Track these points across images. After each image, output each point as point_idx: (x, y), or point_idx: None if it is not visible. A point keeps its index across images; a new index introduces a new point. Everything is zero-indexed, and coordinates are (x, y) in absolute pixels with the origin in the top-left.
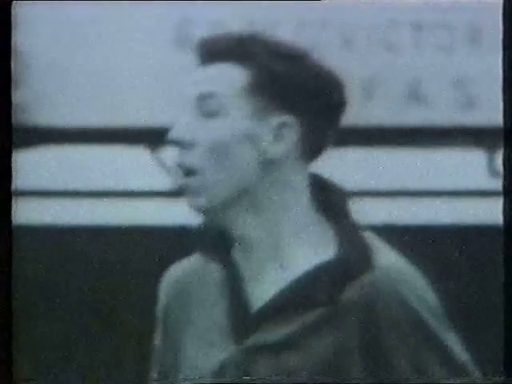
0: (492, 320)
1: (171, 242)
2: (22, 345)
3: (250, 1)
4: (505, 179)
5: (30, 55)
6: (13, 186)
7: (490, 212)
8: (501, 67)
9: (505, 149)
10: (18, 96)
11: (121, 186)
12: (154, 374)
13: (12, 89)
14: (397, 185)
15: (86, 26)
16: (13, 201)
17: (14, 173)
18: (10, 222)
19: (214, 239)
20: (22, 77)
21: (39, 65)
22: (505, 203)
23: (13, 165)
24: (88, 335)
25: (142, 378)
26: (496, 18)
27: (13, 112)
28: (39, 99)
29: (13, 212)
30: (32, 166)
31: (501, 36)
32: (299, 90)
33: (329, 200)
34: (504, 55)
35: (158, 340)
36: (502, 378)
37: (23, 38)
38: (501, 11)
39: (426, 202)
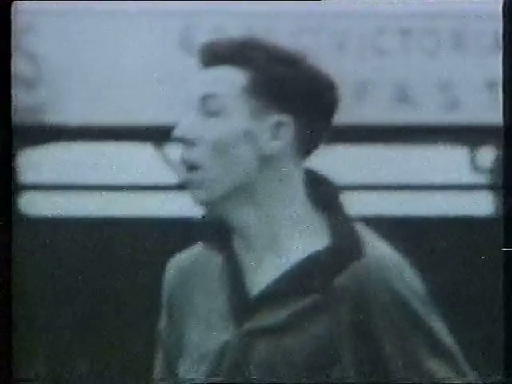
0: (476, 302)
1: (175, 233)
2: (24, 333)
3: (250, 7)
4: (505, 174)
5: (40, 57)
6: (21, 181)
7: (474, 205)
8: (487, 69)
9: (505, 146)
10: (29, 96)
11: (128, 180)
12: (158, 357)
13: (22, 89)
14: (386, 179)
15: (93, 32)
16: (21, 194)
17: (22, 169)
18: (21, 214)
19: (215, 230)
20: (34, 77)
21: (49, 67)
22: (506, 196)
23: (23, 161)
24: (96, 321)
25: (148, 362)
26: (479, 24)
27: (13, 111)
28: (51, 99)
29: (21, 205)
30: (44, 162)
31: (486, 41)
32: (295, 92)
33: (323, 193)
34: (504, 55)
35: (162, 324)
36: (501, 377)
37: (32, 40)
38: (501, 11)
39: (413, 195)
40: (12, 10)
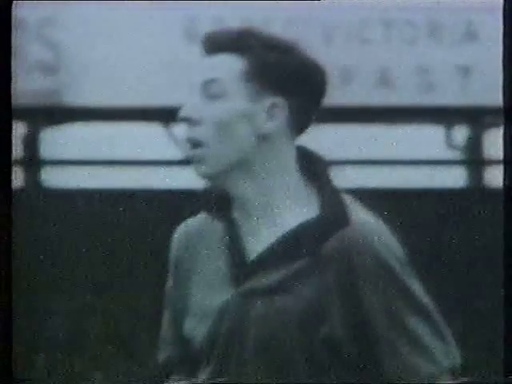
0: (453, 264)
1: (181, 203)
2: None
3: (247, 1)
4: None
5: (59, 45)
6: (45, 157)
7: (448, 178)
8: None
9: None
10: (49, 81)
11: (139, 156)
12: (165, 315)
13: (43, 75)
14: (370, 155)
15: (107, 24)
16: (43, 169)
17: (41, 146)
18: (42, 187)
19: (217, 201)
20: (55, 65)
21: (67, 54)
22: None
23: (48, 139)
24: (108, 283)
25: (156, 319)
26: (452, 16)
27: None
28: (69, 83)
29: (42, 179)
30: (65, 140)
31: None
32: (288, 76)
33: (313, 168)
34: (504, 49)
35: (169, 285)
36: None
37: (52, 30)
38: (501, 11)
39: (394, 169)
40: (12, 10)
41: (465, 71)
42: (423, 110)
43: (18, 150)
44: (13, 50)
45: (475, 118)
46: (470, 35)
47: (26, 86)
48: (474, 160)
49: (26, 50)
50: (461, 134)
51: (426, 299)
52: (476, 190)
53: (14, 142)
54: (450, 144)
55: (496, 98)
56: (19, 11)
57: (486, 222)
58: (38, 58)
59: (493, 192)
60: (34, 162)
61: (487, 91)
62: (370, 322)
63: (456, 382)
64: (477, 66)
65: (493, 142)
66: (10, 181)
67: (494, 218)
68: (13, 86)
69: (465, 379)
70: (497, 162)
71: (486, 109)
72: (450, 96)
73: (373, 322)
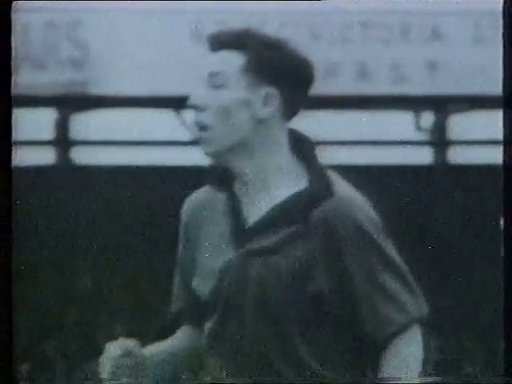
0: (423, 232)
1: (189, 178)
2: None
3: (246, 6)
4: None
5: (86, 44)
6: (72, 138)
7: (416, 157)
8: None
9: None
10: (77, 74)
11: (154, 137)
12: (177, 275)
13: (71, 69)
14: (351, 137)
15: (127, 26)
16: (74, 148)
17: (71, 130)
18: (74, 165)
19: (220, 176)
20: (83, 61)
21: (93, 52)
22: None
23: (77, 123)
24: (127, 247)
25: (169, 278)
26: (422, 19)
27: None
28: (94, 76)
29: (75, 157)
30: (91, 124)
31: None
32: (280, 70)
33: (302, 148)
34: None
35: (180, 248)
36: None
37: (80, 31)
38: (501, 10)
39: (371, 149)
40: (12, 10)
41: (431, 66)
42: (395, 98)
43: (50, 133)
44: (45, 48)
45: (440, 105)
46: (436, 35)
47: (57, 78)
48: (439, 141)
49: (58, 47)
50: (427, 119)
51: (398, 260)
52: (440, 167)
53: (47, 126)
54: (418, 127)
55: (458, 89)
56: (49, 14)
57: (449, 195)
58: (67, 55)
59: (456, 169)
60: (65, 142)
61: (451, 83)
62: (350, 280)
63: (456, 381)
64: (442, 62)
65: (456, 126)
66: (39, 160)
67: (456, 191)
68: (47, 78)
69: (465, 379)
70: (460, 143)
71: (450, 98)
72: (418, 87)
73: (353, 280)
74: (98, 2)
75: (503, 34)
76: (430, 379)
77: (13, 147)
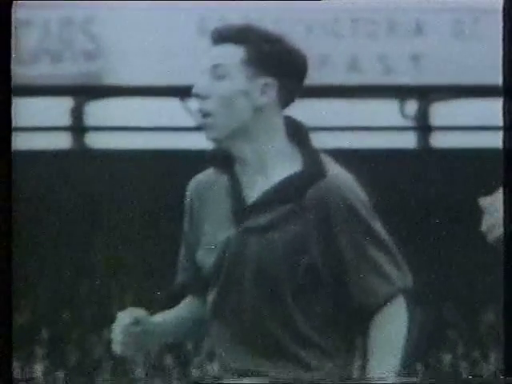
0: (408, 210)
1: (194, 161)
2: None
3: (245, 4)
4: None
5: (100, 37)
6: (86, 124)
7: (401, 141)
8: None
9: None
10: (91, 65)
11: (162, 123)
12: (182, 249)
13: (85, 61)
14: (342, 123)
15: (137, 23)
16: (89, 134)
17: (86, 118)
18: (91, 149)
19: (222, 159)
20: (96, 53)
21: (106, 44)
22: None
23: (91, 110)
24: (139, 223)
25: (175, 251)
26: (406, 15)
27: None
28: (109, 68)
29: (90, 142)
30: (104, 111)
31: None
32: (277, 62)
33: (297, 133)
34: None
35: (185, 225)
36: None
37: (94, 26)
38: (501, 10)
39: (360, 135)
40: (12, 9)
41: (415, 58)
42: (382, 88)
43: (65, 121)
44: (62, 42)
45: (423, 94)
46: (419, 30)
47: (73, 69)
48: (423, 126)
49: (73, 41)
50: (411, 106)
51: (385, 235)
52: (423, 151)
53: (63, 113)
54: (403, 114)
55: (440, 78)
56: (65, 10)
57: (431, 176)
58: (82, 48)
59: (437, 152)
60: (80, 128)
61: (433, 73)
62: (340, 253)
63: (457, 381)
64: (424, 54)
65: (438, 113)
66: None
67: (437, 173)
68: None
69: (466, 379)
70: (444, 129)
71: (432, 87)
72: (403, 77)
73: (343, 253)
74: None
75: (503, 28)
76: (426, 381)
77: (12, 133)
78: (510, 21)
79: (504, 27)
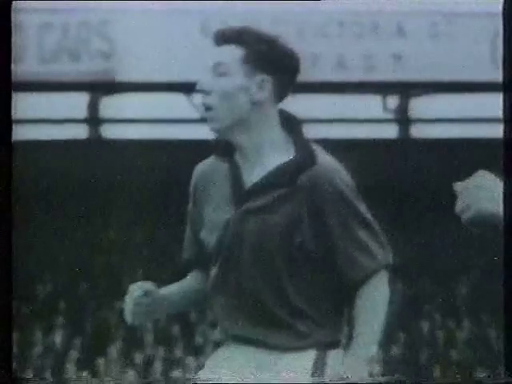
0: (392, 196)
1: (198, 150)
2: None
3: (244, 8)
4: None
5: (113, 39)
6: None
7: (383, 132)
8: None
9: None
10: (105, 63)
11: (170, 116)
12: (188, 227)
13: (100, 59)
14: (330, 115)
15: (148, 25)
16: (105, 126)
17: (104, 109)
18: (105, 139)
19: (223, 148)
20: (110, 53)
21: (119, 44)
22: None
23: (106, 104)
24: (146, 205)
25: (181, 231)
26: (387, 18)
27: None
28: (122, 66)
29: (104, 132)
30: (118, 105)
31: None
32: (273, 60)
33: (290, 124)
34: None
35: (190, 207)
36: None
37: (108, 29)
38: (501, 9)
39: (347, 126)
40: (12, 9)
41: (396, 57)
42: (367, 84)
43: (82, 113)
44: (78, 43)
45: (404, 90)
46: (400, 32)
47: (89, 67)
48: (403, 119)
49: (90, 42)
50: (393, 100)
51: (369, 216)
52: (403, 141)
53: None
54: (385, 107)
55: (418, 76)
56: (82, 15)
57: (410, 162)
58: (97, 48)
59: (416, 142)
60: (96, 120)
61: (412, 71)
62: (329, 232)
63: (457, 381)
64: (405, 54)
65: (417, 106)
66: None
67: (416, 160)
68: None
69: (466, 379)
70: (422, 121)
71: (411, 83)
72: (385, 74)
73: (332, 232)
74: (123, 4)
75: (504, 27)
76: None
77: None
78: (509, 21)
79: (504, 27)
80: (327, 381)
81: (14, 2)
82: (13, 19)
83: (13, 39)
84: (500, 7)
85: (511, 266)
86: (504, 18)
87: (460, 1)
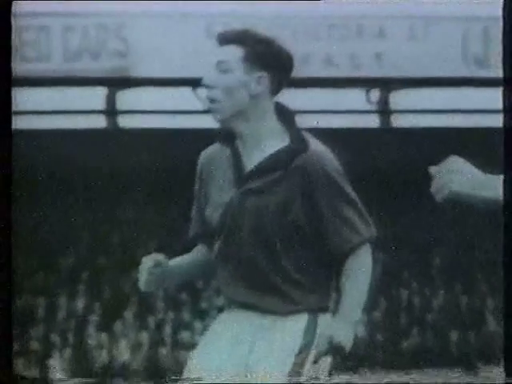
0: (382, 184)
1: (204, 138)
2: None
3: (244, 11)
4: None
5: (128, 39)
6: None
7: (366, 122)
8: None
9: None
10: (120, 62)
11: (178, 107)
12: (194, 206)
13: (117, 58)
14: (320, 107)
15: (158, 28)
16: (119, 117)
17: (120, 102)
18: (121, 129)
19: (226, 135)
20: (126, 51)
21: (133, 44)
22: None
23: (121, 99)
24: (158, 187)
25: (188, 210)
26: (372, 22)
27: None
28: (136, 64)
29: (121, 123)
30: (133, 99)
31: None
32: (270, 59)
33: (284, 115)
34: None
35: (196, 188)
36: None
37: (123, 30)
38: (501, 9)
39: (335, 117)
40: (12, 9)
41: (378, 56)
42: (352, 79)
43: (101, 106)
44: (98, 44)
45: (385, 85)
46: (382, 34)
47: (106, 64)
48: (384, 110)
49: (108, 43)
50: (375, 94)
51: (355, 196)
52: (385, 130)
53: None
54: (368, 100)
55: (398, 72)
56: (98, 18)
57: (391, 149)
58: (114, 48)
59: (396, 131)
60: (112, 112)
61: (392, 68)
62: (319, 211)
63: (457, 381)
64: (386, 53)
65: (398, 99)
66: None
67: (396, 147)
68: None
69: (466, 379)
70: (401, 112)
71: (391, 79)
72: (369, 71)
73: (321, 211)
74: (138, 8)
75: (503, 25)
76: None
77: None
78: (509, 21)
79: (504, 27)
80: (309, 381)
81: (35, 6)
82: (36, 22)
83: (37, 40)
84: (448, 14)
85: (511, 266)
86: (504, 18)
87: (435, 6)
